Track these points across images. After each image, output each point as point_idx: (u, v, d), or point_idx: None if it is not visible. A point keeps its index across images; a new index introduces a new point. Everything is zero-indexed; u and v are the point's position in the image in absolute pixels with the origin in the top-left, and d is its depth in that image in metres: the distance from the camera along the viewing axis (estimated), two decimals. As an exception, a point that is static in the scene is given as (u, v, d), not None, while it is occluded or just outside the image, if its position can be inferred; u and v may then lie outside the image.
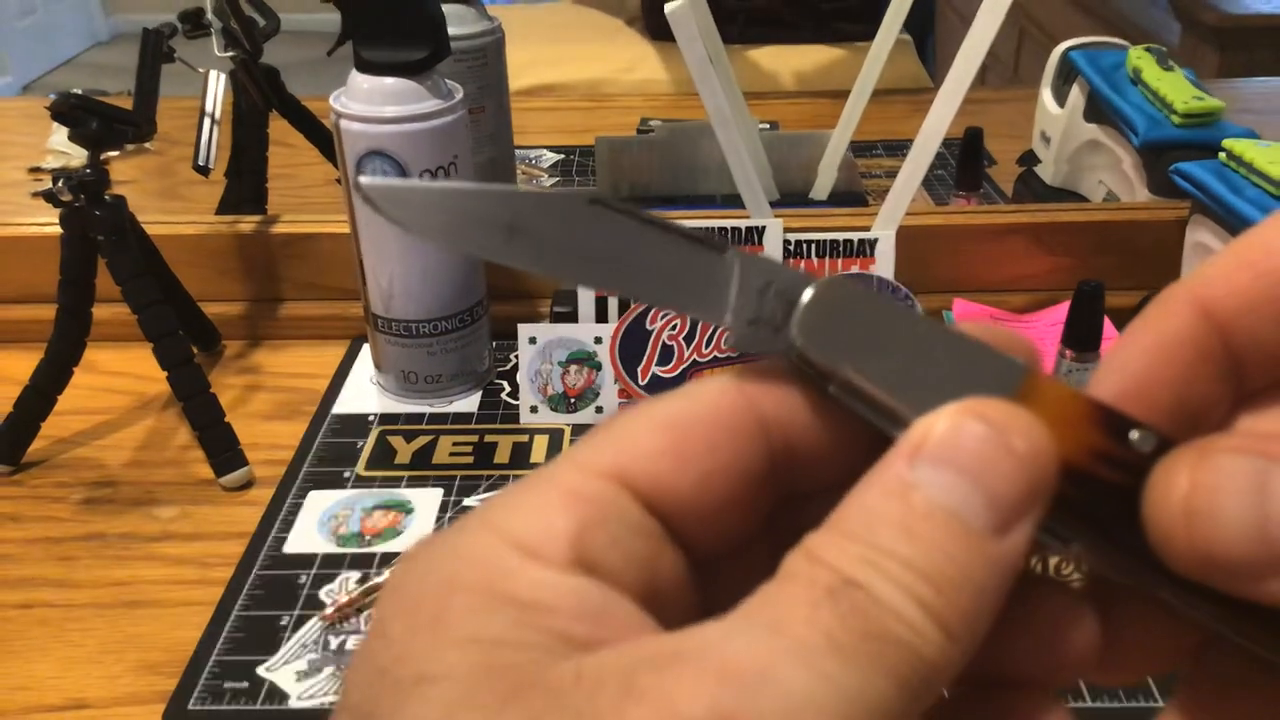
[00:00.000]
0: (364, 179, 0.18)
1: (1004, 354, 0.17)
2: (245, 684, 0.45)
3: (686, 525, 0.17)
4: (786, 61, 1.17)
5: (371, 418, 0.62)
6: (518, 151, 0.86)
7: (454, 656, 0.14)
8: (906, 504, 0.15)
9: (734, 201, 0.64)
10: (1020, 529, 0.15)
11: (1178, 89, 0.73)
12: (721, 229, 0.61)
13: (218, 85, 0.69)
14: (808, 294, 0.17)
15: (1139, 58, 0.77)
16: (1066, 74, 0.82)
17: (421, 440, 0.60)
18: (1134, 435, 0.16)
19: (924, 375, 0.17)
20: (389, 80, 0.56)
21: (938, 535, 0.15)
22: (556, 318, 0.63)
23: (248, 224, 0.71)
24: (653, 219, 0.18)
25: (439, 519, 0.54)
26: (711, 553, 0.18)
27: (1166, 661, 0.18)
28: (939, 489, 0.15)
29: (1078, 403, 0.16)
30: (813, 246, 0.61)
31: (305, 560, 0.52)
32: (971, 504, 0.15)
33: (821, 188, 0.83)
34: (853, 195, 0.83)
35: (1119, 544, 0.16)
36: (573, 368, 0.61)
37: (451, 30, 0.60)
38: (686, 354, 0.60)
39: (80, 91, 0.63)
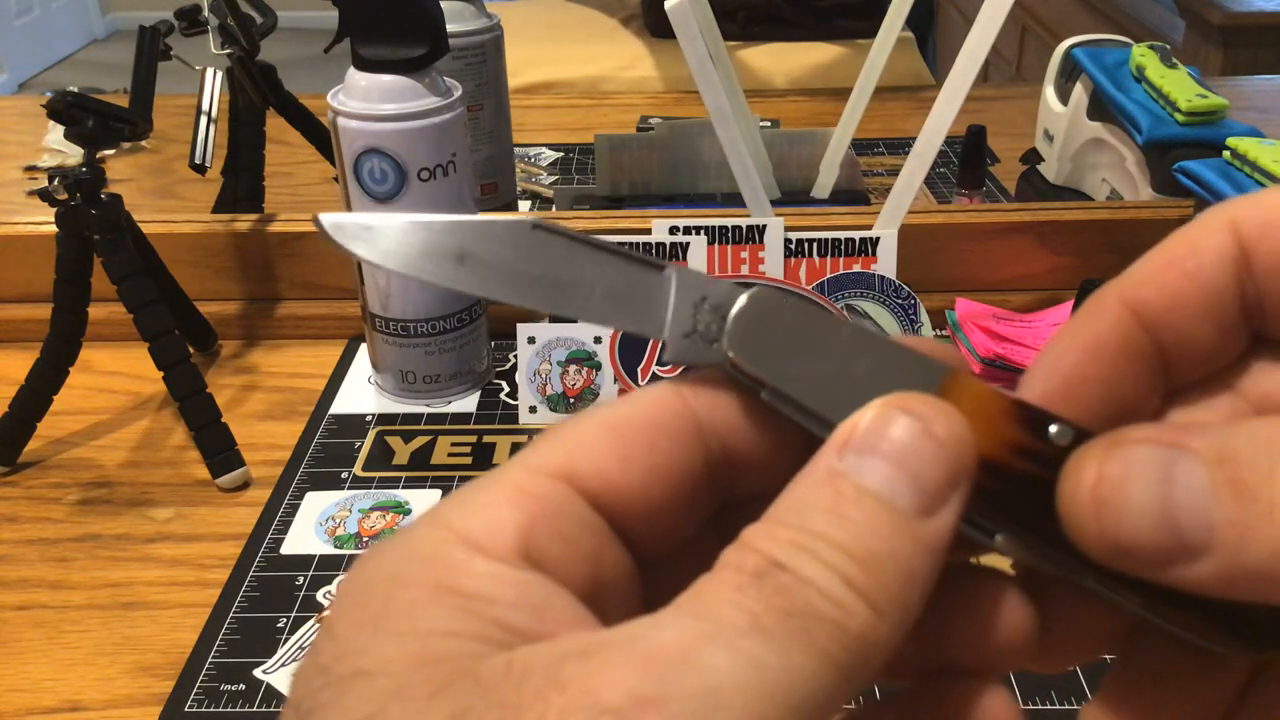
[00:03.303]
0: (322, 215, 0.19)
1: (925, 355, 0.18)
2: (242, 686, 0.45)
3: (631, 523, 0.18)
4: (787, 59, 1.17)
5: (369, 418, 0.62)
6: (516, 149, 0.85)
7: (391, 650, 0.15)
8: (835, 490, 0.16)
9: (734, 200, 0.64)
10: (945, 512, 0.16)
11: (1181, 87, 0.72)
12: (721, 228, 0.60)
13: (214, 83, 0.68)
14: (738, 306, 0.18)
15: (1142, 55, 0.77)
16: (1069, 72, 0.81)
17: (419, 441, 0.60)
18: (1053, 429, 0.17)
19: (849, 379, 0.17)
20: (387, 78, 0.56)
21: (865, 517, 0.16)
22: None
23: (244, 223, 0.71)
24: (593, 241, 0.19)
25: (437, 520, 0.54)
26: (657, 553, 0.18)
27: (1099, 648, 0.19)
28: (866, 475, 0.16)
29: (997, 400, 0.17)
30: (814, 245, 0.60)
31: (302, 562, 0.51)
32: (897, 487, 0.16)
33: (823, 186, 0.83)
34: (854, 194, 0.83)
35: (1041, 535, 0.17)
36: (572, 368, 0.61)
37: (450, 27, 0.60)
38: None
39: (76, 89, 0.63)
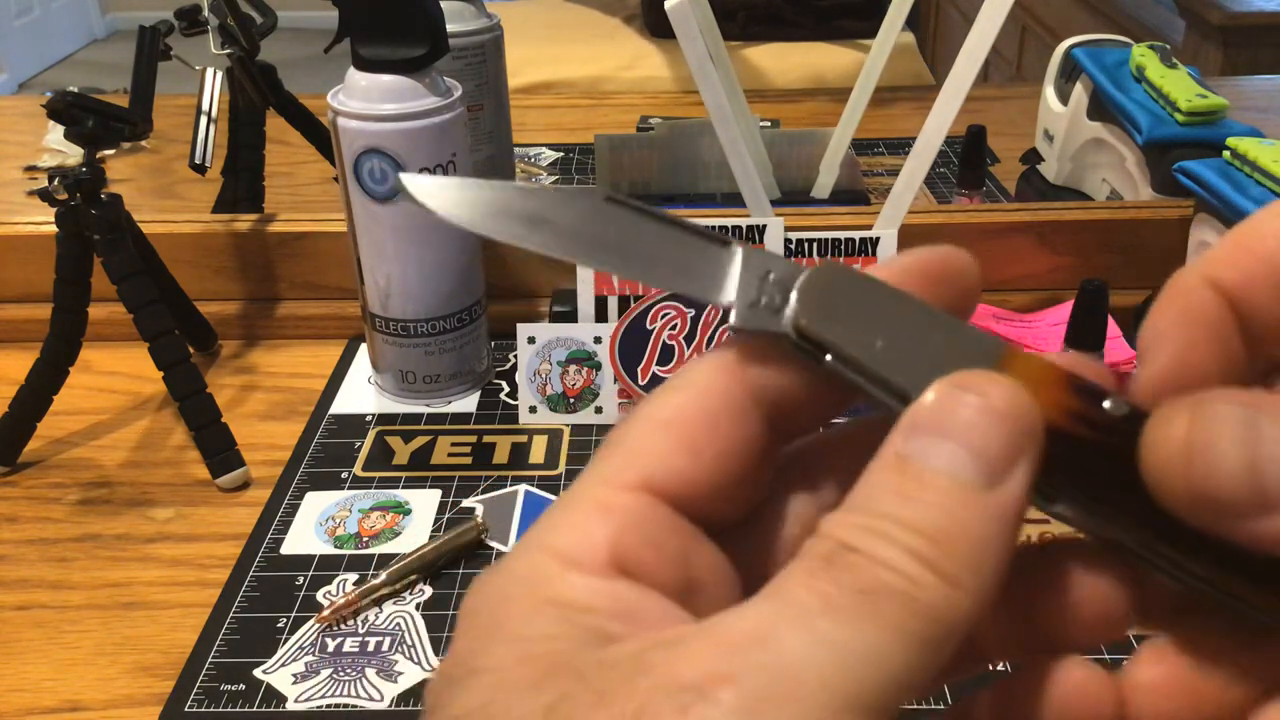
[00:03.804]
0: (404, 175, 0.21)
1: (985, 331, 0.19)
2: (242, 686, 0.45)
3: (711, 507, 0.18)
4: (787, 59, 1.17)
5: (369, 418, 0.62)
6: (516, 149, 0.85)
7: (501, 651, 0.16)
8: (901, 473, 0.17)
9: (734, 200, 0.64)
10: (1012, 480, 0.17)
11: (1181, 87, 0.72)
12: (723, 227, 0.60)
13: (214, 83, 0.68)
14: (806, 275, 0.19)
15: (1142, 55, 0.77)
16: (1069, 72, 0.81)
17: (419, 441, 0.60)
18: (1107, 403, 0.18)
19: (914, 348, 0.18)
20: (387, 78, 0.56)
21: (931, 494, 0.16)
22: (556, 317, 0.63)
23: (244, 223, 0.71)
24: (662, 215, 0.20)
25: (437, 520, 0.54)
26: (738, 519, 0.19)
27: (1152, 620, 0.19)
28: (930, 454, 0.17)
29: (1054, 370, 0.18)
30: (814, 245, 0.60)
31: (302, 562, 0.51)
32: (959, 461, 0.16)
33: (823, 186, 0.83)
34: (854, 194, 0.83)
35: (1101, 499, 0.17)
36: (572, 367, 0.61)
37: (450, 27, 0.60)
38: (687, 353, 0.60)
39: (76, 89, 0.63)
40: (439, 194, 0.20)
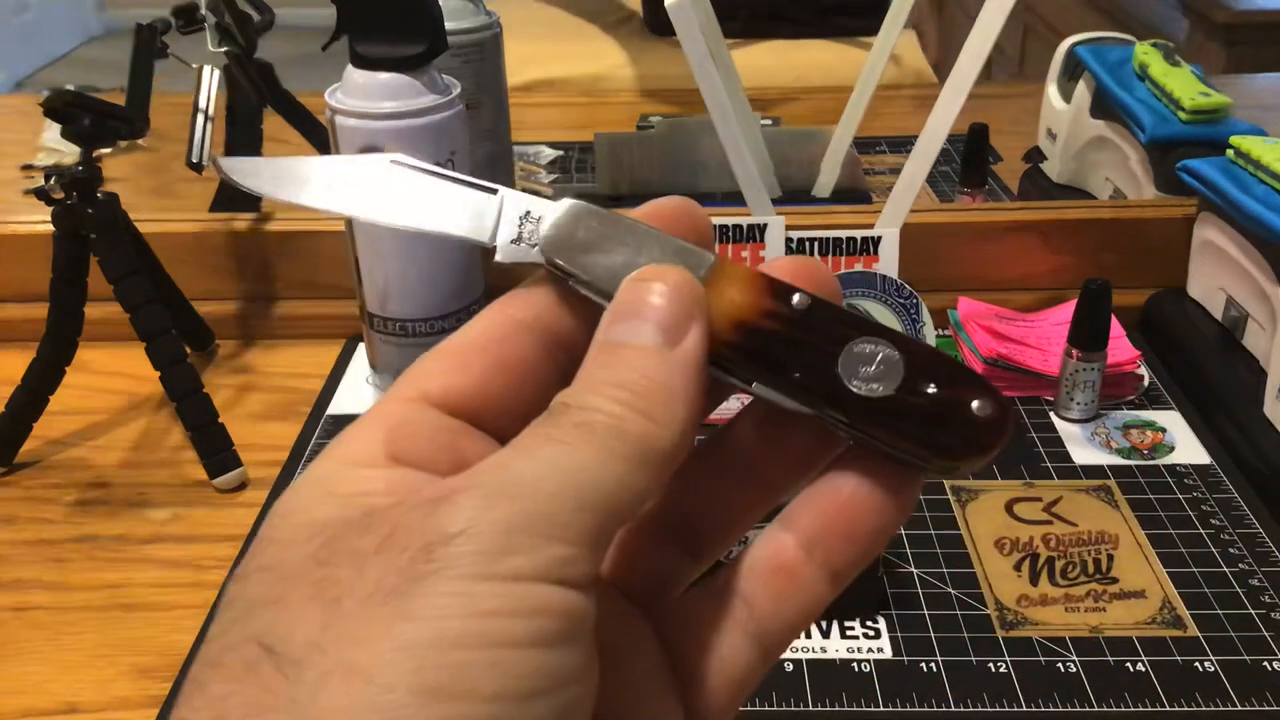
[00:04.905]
0: (219, 158, 0.24)
1: (698, 249, 0.22)
2: (239, 690, 0.44)
3: (492, 418, 0.22)
4: (788, 57, 1.16)
5: (368, 418, 0.62)
6: (516, 147, 0.85)
7: (287, 526, 0.20)
8: (605, 350, 0.21)
9: (735, 198, 0.63)
10: (689, 339, 0.21)
11: (1185, 85, 0.72)
12: (723, 227, 0.60)
13: (211, 81, 0.68)
14: (552, 215, 0.23)
15: (1146, 53, 0.76)
16: (1072, 70, 0.81)
17: (419, 441, 0.59)
18: (794, 299, 0.21)
19: (637, 266, 0.22)
20: (385, 75, 0.56)
21: (627, 359, 0.21)
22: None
23: (242, 222, 0.71)
24: (440, 173, 0.24)
25: (436, 521, 0.54)
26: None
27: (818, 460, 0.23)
28: (623, 331, 0.21)
29: (752, 277, 0.22)
30: (815, 244, 0.60)
31: (300, 563, 0.51)
32: (642, 331, 0.21)
33: (824, 185, 0.82)
34: (856, 192, 0.82)
35: (785, 379, 0.21)
36: (572, 367, 0.60)
37: (449, 25, 0.59)
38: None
39: (73, 88, 0.63)
40: (248, 171, 0.23)
